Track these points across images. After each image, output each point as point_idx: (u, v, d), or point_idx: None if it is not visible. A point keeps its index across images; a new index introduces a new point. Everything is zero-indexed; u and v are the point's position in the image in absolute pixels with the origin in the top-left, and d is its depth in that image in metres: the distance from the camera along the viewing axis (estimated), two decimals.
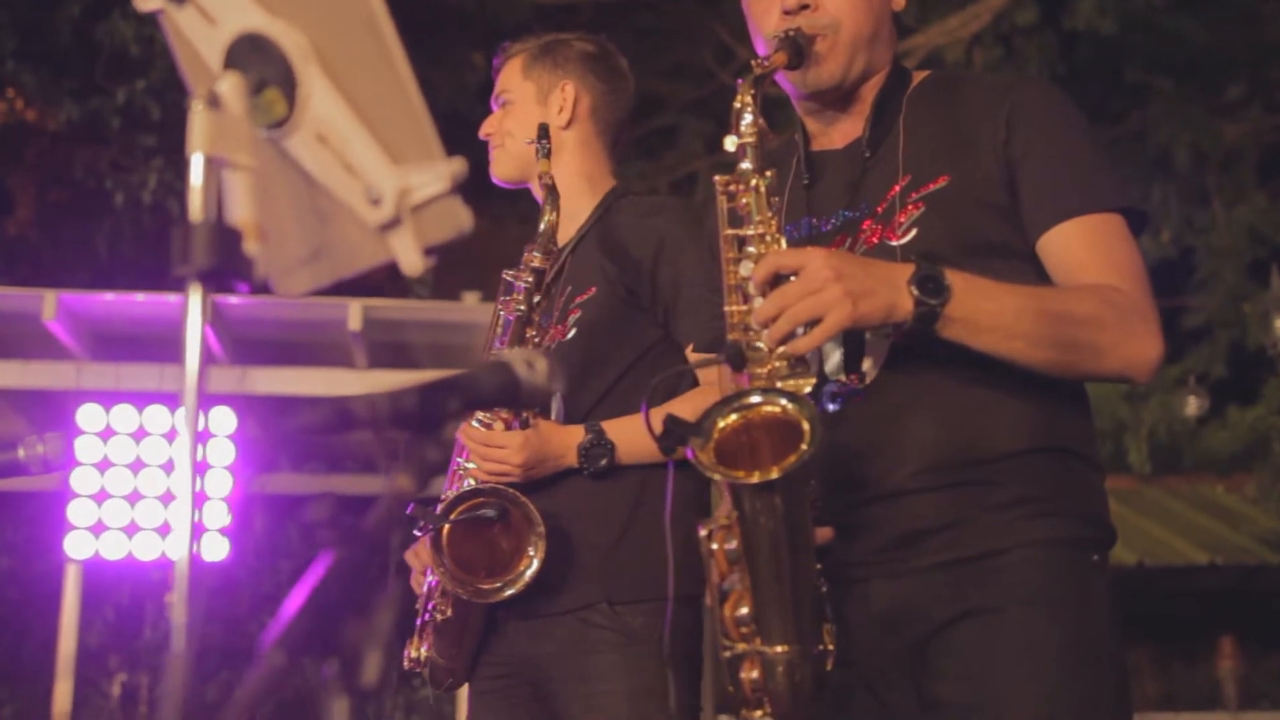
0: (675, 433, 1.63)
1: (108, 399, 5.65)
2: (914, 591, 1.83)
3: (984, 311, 1.73)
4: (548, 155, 2.47)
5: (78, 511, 5.60)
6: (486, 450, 2.43)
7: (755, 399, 1.68)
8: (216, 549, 5.67)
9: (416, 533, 2.45)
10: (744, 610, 1.68)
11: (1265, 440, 9.99)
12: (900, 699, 1.85)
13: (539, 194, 2.53)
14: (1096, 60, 9.84)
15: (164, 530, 5.62)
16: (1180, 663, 10.72)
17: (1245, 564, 9.69)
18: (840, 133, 2.04)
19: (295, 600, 1.07)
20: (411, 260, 1.26)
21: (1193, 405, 10.18)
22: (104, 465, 5.62)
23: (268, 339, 5.98)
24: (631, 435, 2.46)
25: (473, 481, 2.48)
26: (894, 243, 1.89)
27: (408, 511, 2.28)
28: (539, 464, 2.44)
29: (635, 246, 2.56)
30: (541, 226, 2.47)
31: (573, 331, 2.55)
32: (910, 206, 1.90)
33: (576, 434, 2.47)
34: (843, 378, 1.89)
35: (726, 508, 1.68)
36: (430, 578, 2.55)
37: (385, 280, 7.80)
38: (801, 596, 1.69)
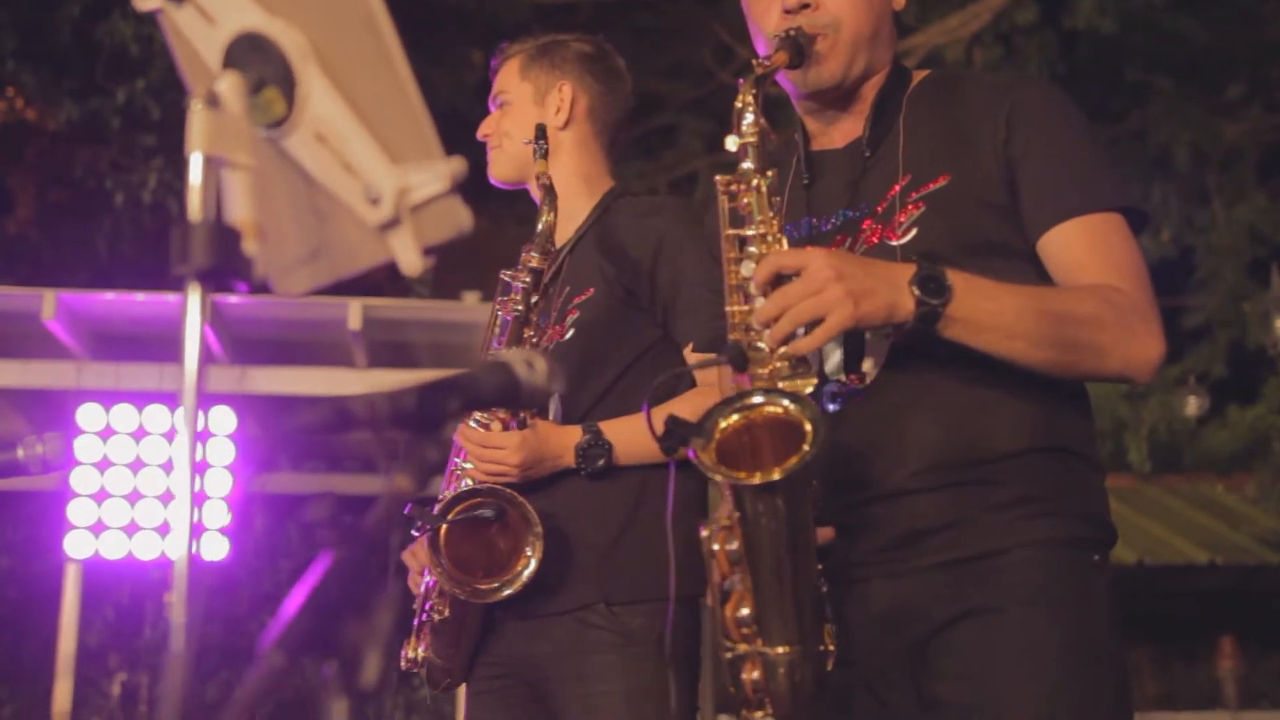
0: (677, 433, 1.63)
1: (107, 398, 5.64)
2: (914, 591, 1.83)
3: (985, 311, 1.72)
4: (545, 156, 2.47)
5: (77, 511, 5.59)
6: (484, 451, 2.42)
7: (757, 399, 1.68)
8: (216, 548, 5.67)
9: (414, 533, 2.44)
10: (745, 611, 1.68)
11: (1265, 440, 9.99)
12: (900, 699, 1.84)
13: (536, 195, 2.53)
14: (1096, 60, 9.85)
15: (164, 530, 5.62)
16: (1180, 662, 10.73)
17: (1245, 564, 9.69)
18: (840, 132, 2.03)
19: (295, 600, 1.06)
20: (411, 260, 1.25)
21: (1193, 405, 10.18)
22: (104, 465, 5.61)
23: (267, 338, 5.98)
24: (629, 436, 2.46)
25: (470, 482, 2.48)
26: (894, 242, 1.88)
27: (405, 512, 2.28)
28: (537, 464, 2.44)
29: (634, 247, 2.56)
30: (539, 227, 2.47)
31: (571, 332, 2.55)
32: (910, 206, 1.90)
33: (574, 434, 2.47)
34: (843, 378, 1.89)
35: (728, 508, 1.68)
36: (428, 578, 2.54)
37: (385, 279, 7.80)
38: (803, 597, 1.69)
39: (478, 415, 2.44)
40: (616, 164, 2.79)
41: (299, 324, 5.87)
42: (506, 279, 2.51)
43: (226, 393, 5.65)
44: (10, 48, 8.63)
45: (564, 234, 2.59)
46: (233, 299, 5.42)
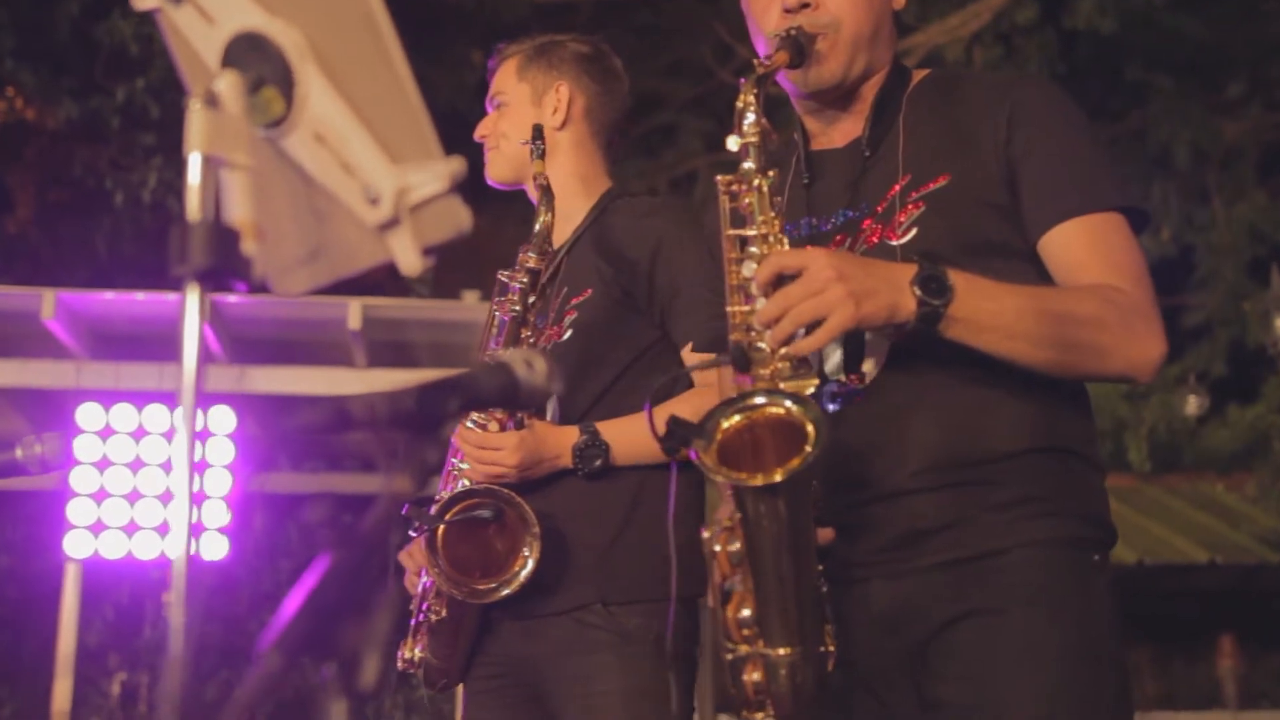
0: (679, 434, 1.63)
1: (107, 398, 5.64)
2: (914, 592, 1.83)
3: (986, 311, 1.72)
4: (542, 156, 2.47)
5: (77, 510, 5.59)
6: (481, 451, 2.42)
7: (759, 400, 1.67)
8: (216, 548, 5.67)
9: (411, 533, 2.44)
10: (746, 612, 1.67)
11: (1265, 439, 9.97)
12: (900, 699, 1.84)
13: (534, 195, 2.53)
14: (1096, 59, 9.84)
15: (163, 529, 5.62)
16: (1180, 662, 10.72)
17: (1245, 563, 9.68)
18: (840, 132, 2.03)
19: (294, 601, 1.06)
20: (410, 260, 1.25)
21: (1193, 404, 10.16)
22: (103, 464, 5.61)
23: (267, 338, 5.98)
24: (627, 436, 2.45)
25: (467, 482, 2.47)
26: (894, 242, 1.88)
27: (402, 512, 2.28)
28: (534, 465, 2.44)
29: (632, 247, 2.55)
30: (536, 227, 2.46)
31: (568, 333, 2.55)
32: (910, 206, 1.90)
33: (571, 435, 2.47)
34: (843, 378, 1.88)
35: (729, 509, 1.68)
36: (425, 578, 2.54)
37: (385, 279, 7.80)
38: (804, 599, 1.68)
39: (475, 416, 2.44)
40: (614, 164, 2.78)
41: (298, 323, 5.86)
42: (504, 279, 2.51)
43: (226, 392, 5.65)
44: (9, 47, 8.63)
45: (561, 234, 2.59)
46: (232, 298, 5.42)
